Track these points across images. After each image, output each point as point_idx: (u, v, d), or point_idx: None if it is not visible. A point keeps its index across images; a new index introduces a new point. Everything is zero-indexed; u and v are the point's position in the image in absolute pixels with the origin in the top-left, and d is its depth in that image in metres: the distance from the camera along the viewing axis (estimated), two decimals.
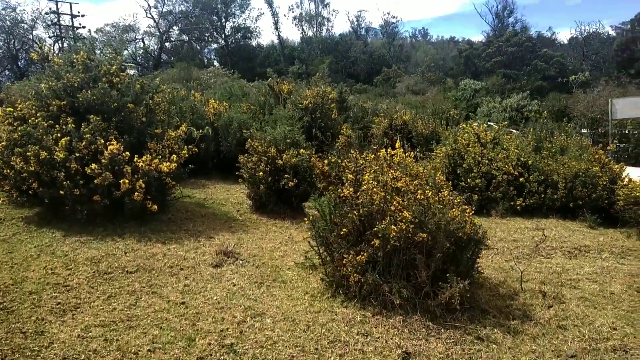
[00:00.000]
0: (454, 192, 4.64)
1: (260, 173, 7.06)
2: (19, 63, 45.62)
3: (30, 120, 5.40)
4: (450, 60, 69.07)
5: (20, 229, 5.29)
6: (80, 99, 5.53)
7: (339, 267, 4.36)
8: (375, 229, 4.09)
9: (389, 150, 6.81)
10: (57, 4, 41.92)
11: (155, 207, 5.56)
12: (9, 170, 5.27)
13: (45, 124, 5.35)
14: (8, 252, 4.58)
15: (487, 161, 8.35)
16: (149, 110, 6.17)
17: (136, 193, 5.39)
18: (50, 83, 5.57)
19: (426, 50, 76.43)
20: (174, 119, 6.44)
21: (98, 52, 6.23)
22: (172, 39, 55.75)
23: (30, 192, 5.31)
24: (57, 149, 5.20)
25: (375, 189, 4.35)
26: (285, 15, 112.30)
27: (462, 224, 4.28)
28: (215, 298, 4.05)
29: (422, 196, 4.27)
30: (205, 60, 60.29)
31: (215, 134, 10.40)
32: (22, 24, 45.51)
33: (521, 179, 8.21)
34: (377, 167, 4.80)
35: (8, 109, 5.57)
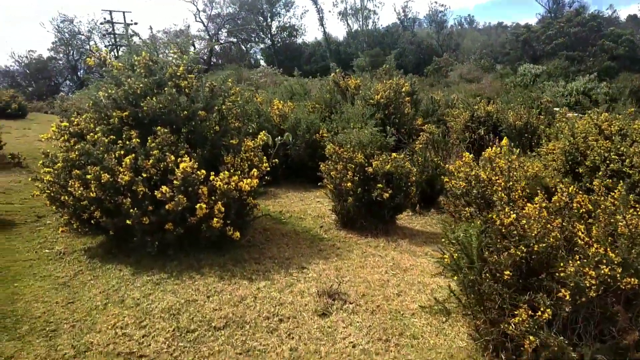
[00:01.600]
0: None
1: (349, 184, 5.97)
2: (78, 73, 47.23)
3: (88, 137, 4.56)
4: (499, 46, 65.48)
5: (83, 266, 4.45)
6: (145, 107, 4.63)
7: (496, 323, 3.18)
8: (562, 274, 2.86)
9: (494, 148, 5.58)
10: (111, 14, 42.88)
11: (238, 234, 4.59)
12: (67, 197, 4.45)
13: (106, 140, 4.49)
14: (69, 303, 3.71)
15: (616, 157, 6.82)
16: (222, 117, 5.20)
17: (215, 219, 4.43)
18: (110, 91, 4.71)
19: (474, 37, 73.03)
20: (248, 126, 5.46)
21: (161, 54, 5.32)
22: (220, 41, 56.01)
23: (92, 221, 4.47)
24: (121, 170, 4.32)
25: (543, 213, 3.13)
26: (330, 11, 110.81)
27: None
28: None
29: (620, 223, 3.00)
30: (253, 61, 60.22)
31: (281, 136, 9.43)
32: (80, 36, 47.09)
33: None
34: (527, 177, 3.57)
35: (63, 123, 4.76)
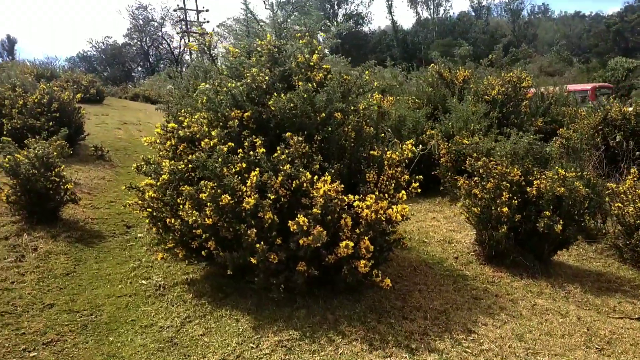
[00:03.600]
0: None
1: (504, 208, 4.65)
2: (150, 59, 48.31)
3: (203, 143, 3.54)
4: (575, 37, 60.62)
5: (190, 310, 3.47)
6: (273, 107, 3.55)
7: None
8: None
9: None
10: (184, 1, 43.15)
11: (388, 281, 3.43)
12: (173, 220, 3.47)
13: (225, 149, 3.45)
14: None
15: None
16: (357, 122, 4.03)
17: (362, 261, 3.29)
18: (230, 84, 3.65)
19: (548, 27, 68.32)
20: (385, 133, 4.27)
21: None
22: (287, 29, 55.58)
23: (203, 252, 3.47)
24: (245, 190, 3.27)
25: None
26: None
27: None
28: None
29: None
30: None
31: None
32: (153, 22, 48.03)
33: None
34: None
35: (171, 124, 3.78)
